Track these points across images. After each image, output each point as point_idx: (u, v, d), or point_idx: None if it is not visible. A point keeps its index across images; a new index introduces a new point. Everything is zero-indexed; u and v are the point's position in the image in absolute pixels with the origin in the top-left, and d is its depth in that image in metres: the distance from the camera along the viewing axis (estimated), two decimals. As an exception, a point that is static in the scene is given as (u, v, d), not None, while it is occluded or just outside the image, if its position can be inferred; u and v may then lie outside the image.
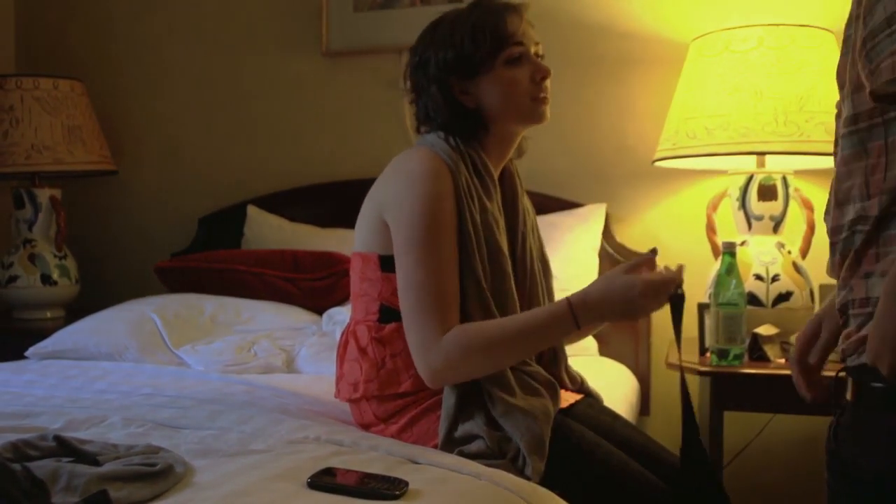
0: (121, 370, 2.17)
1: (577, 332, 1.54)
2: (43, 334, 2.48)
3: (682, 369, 1.57)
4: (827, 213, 1.17)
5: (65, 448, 1.34)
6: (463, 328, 1.51)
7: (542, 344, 1.59)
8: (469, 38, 1.58)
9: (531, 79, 1.61)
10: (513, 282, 1.61)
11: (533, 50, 1.63)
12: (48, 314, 3.00)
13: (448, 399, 1.54)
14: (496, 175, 1.67)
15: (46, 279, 2.97)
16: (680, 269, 1.51)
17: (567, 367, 1.76)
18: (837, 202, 1.12)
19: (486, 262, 1.57)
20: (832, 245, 1.14)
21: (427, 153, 1.58)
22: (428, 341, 1.50)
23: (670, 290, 1.47)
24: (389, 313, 1.59)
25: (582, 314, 1.48)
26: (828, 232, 1.16)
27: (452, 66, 1.60)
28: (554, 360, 1.71)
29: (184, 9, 3.20)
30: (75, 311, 2.92)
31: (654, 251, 1.55)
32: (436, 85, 1.61)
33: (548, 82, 1.62)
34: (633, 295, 1.46)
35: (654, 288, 1.46)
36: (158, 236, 3.20)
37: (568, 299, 1.49)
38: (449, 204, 1.54)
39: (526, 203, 1.77)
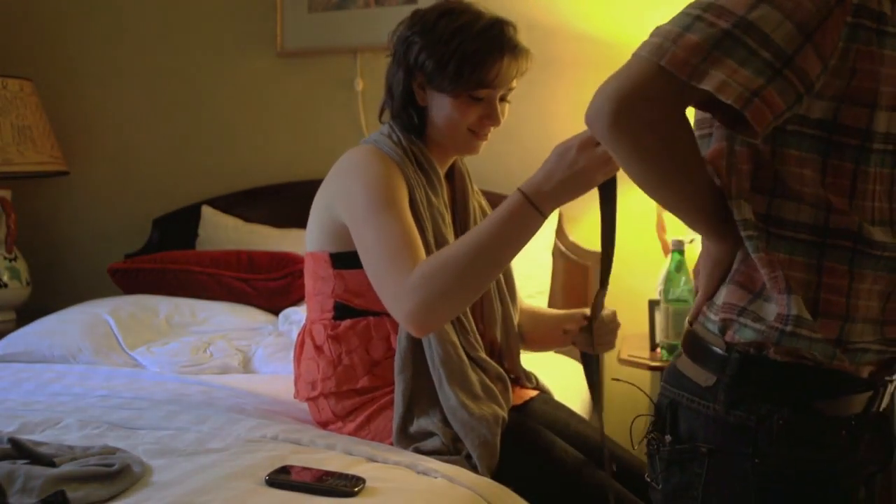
0: (75, 373, 2.15)
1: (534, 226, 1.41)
2: (-7, 337, 2.45)
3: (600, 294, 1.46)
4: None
5: (20, 450, 1.34)
6: (423, 260, 1.45)
7: (509, 248, 1.42)
8: (456, 62, 1.56)
9: (480, 117, 1.61)
10: None
11: (502, 91, 1.61)
12: (-2, 317, 2.95)
13: (400, 395, 1.56)
14: (442, 172, 1.69)
15: (-4, 281, 2.92)
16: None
17: (520, 365, 1.78)
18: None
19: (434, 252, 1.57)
20: None
21: (371, 149, 1.61)
22: (400, 288, 1.43)
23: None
24: (344, 310, 1.61)
25: (536, 197, 1.38)
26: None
27: (425, 70, 1.60)
28: (507, 352, 1.71)
29: (136, 7, 3.17)
30: (26, 313, 2.87)
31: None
32: (403, 71, 1.63)
33: (492, 129, 1.64)
34: (571, 156, 1.35)
35: (591, 140, 1.33)
36: (112, 237, 3.16)
37: (519, 188, 1.41)
38: (401, 184, 1.55)
39: (480, 201, 1.80)
